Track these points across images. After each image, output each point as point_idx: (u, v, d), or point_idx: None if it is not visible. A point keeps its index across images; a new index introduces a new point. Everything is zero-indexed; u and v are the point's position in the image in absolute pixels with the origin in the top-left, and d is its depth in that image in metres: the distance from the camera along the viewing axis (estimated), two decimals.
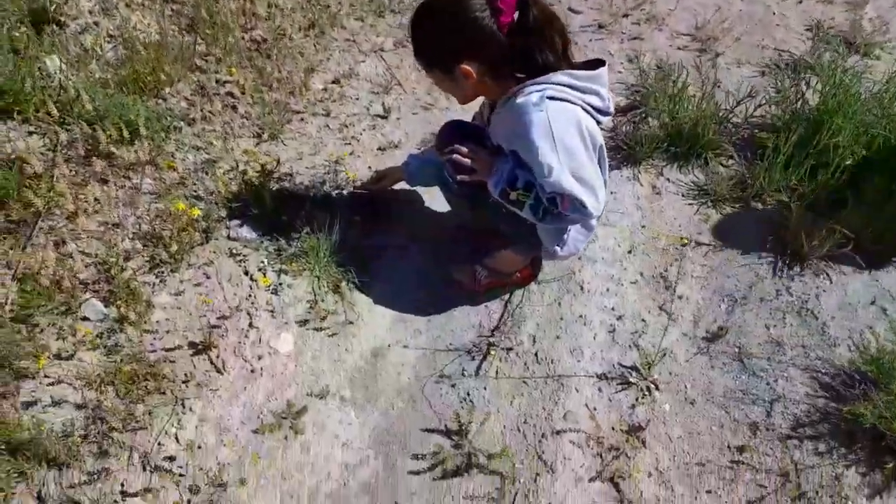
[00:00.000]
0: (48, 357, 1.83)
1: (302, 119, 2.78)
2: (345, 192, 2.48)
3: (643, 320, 2.23)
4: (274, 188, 2.42)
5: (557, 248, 1.99)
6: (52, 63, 2.34)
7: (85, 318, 1.95)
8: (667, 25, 3.53)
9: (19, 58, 2.25)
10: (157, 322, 2.02)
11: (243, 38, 2.97)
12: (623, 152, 2.75)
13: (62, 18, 2.49)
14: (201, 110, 2.58)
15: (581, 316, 2.22)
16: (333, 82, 3.00)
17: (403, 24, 3.37)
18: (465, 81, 1.66)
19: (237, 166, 2.48)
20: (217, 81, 2.72)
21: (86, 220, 2.09)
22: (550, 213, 1.74)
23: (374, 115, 2.88)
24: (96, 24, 2.60)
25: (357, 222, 2.38)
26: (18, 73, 2.15)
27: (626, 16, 3.55)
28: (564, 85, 1.62)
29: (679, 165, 2.78)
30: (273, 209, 2.31)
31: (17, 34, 2.31)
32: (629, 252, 2.44)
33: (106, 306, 1.99)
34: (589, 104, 1.68)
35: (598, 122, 1.73)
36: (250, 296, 2.14)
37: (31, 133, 2.21)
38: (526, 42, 1.59)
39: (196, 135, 2.53)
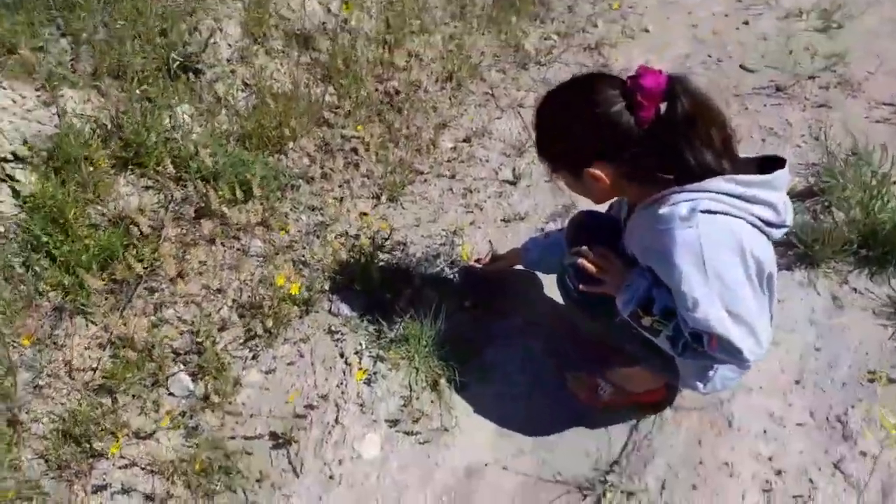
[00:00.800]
0: (127, 435, 1.73)
1: (425, 180, 2.58)
2: (458, 269, 2.23)
3: (810, 481, 1.75)
4: (384, 259, 2.23)
5: (699, 385, 1.61)
6: (182, 111, 2.32)
7: (171, 394, 1.84)
8: (863, 92, 2.96)
9: (152, 105, 2.24)
10: (243, 403, 1.88)
11: (376, 90, 2.84)
12: (796, 250, 2.26)
13: (200, 66, 2.48)
14: (322, 167, 2.46)
15: (727, 464, 1.78)
16: (464, 140, 2.78)
17: (548, 79, 3.10)
18: (596, 185, 1.36)
19: (349, 231, 2.32)
20: (343, 137, 2.60)
21: (187, 284, 2.01)
22: (693, 350, 1.39)
23: (503, 180, 2.62)
24: (233, 72, 2.58)
25: (467, 308, 2.12)
26: (145, 123, 2.13)
27: (811, 78, 3.02)
28: (725, 193, 1.27)
29: (871, 273, 2.24)
30: (380, 284, 2.11)
31: (151, 81, 2.31)
32: (797, 383, 1.97)
33: (193, 380, 1.88)
34: (758, 217, 1.30)
35: (769, 238, 1.35)
36: (342, 383, 1.94)
37: (146, 188, 2.18)
38: (673, 139, 1.26)
39: (314, 193, 2.41)
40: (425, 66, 3.07)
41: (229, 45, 2.63)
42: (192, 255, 2.03)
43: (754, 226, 1.31)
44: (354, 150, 2.60)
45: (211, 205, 2.06)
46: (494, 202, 2.53)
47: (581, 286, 1.59)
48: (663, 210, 1.29)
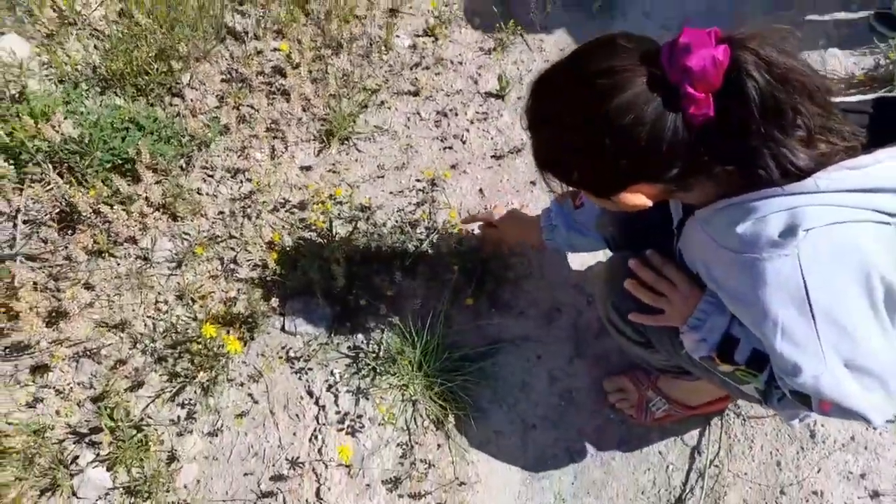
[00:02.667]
0: None
1: (382, 102, 1.90)
2: (445, 242, 1.67)
3: None
4: (344, 237, 1.63)
5: (795, 422, 1.19)
6: (6, 46, 1.52)
7: (78, 497, 1.32)
8: None
9: None
10: (185, 487, 1.38)
11: None
12: None
13: None
14: (236, 108, 1.74)
15: (815, 493, 1.44)
16: (426, 33, 2.05)
17: None
18: (633, 206, 0.90)
19: (290, 199, 1.69)
20: (258, 53, 1.83)
21: (71, 325, 1.39)
22: (792, 403, 0.99)
23: (486, 92, 1.95)
24: None
25: (467, 305, 1.60)
26: None
27: None
28: (836, 191, 0.81)
29: None
30: (345, 280, 1.54)
31: None
32: None
33: (109, 471, 1.35)
34: (885, 212, 0.83)
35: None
36: (316, 435, 1.46)
37: None
38: (746, 138, 0.78)
39: (231, 150, 1.71)
40: None
41: None
42: (68, 288, 1.39)
43: (881, 223, 0.83)
44: (279, 71, 1.85)
45: (79, 208, 1.37)
46: (479, 130, 1.89)
47: (631, 315, 1.14)
48: (743, 228, 0.84)
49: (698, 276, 1.03)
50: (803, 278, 0.82)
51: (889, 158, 0.82)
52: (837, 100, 0.86)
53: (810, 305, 0.83)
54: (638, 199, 0.88)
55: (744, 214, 0.84)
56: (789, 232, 0.81)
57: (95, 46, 1.68)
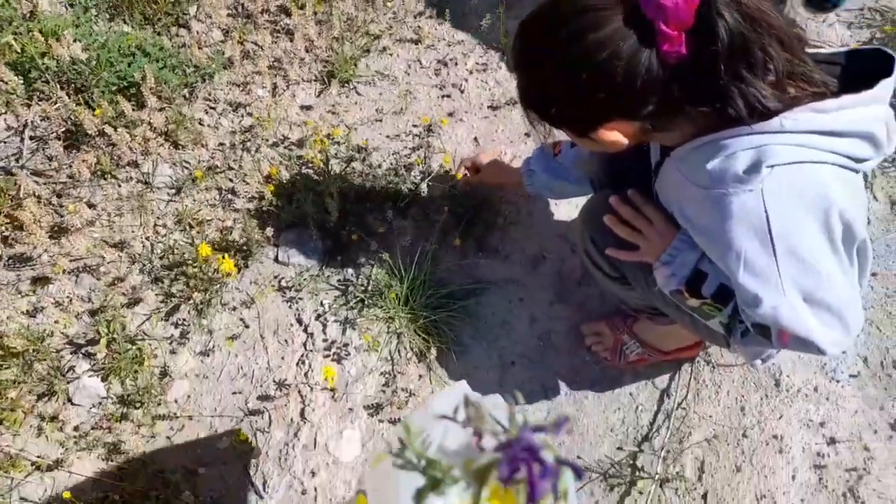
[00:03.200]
0: (26, 469, 1.31)
1: (384, 48, 1.93)
2: (438, 187, 1.72)
3: (866, 448, 1.52)
4: (340, 175, 1.68)
5: (758, 362, 1.26)
6: None
7: (75, 404, 1.39)
8: None
9: None
10: (176, 401, 1.45)
11: None
12: None
13: None
14: (241, 43, 1.77)
15: (776, 437, 1.51)
16: None
17: None
18: (612, 143, 0.94)
19: (290, 136, 1.73)
20: None
21: (72, 241, 1.45)
22: (754, 338, 1.06)
23: (487, 45, 1.99)
24: None
25: (456, 246, 1.66)
26: None
27: None
28: (803, 132, 0.85)
29: None
30: (338, 215, 1.60)
31: None
32: None
33: (104, 381, 1.42)
34: (847, 156, 0.89)
35: (858, 175, 0.94)
36: (303, 360, 1.52)
37: None
38: (716, 76, 0.81)
39: (234, 84, 1.75)
40: None
41: None
42: (70, 204, 1.44)
43: (844, 167, 0.89)
44: (284, 10, 1.88)
45: (85, 128, 1.42)
46: (478, 80, 1.93)
47: (608, 250, 1.20)
48: (713, 164, 0.89)
49: (674, 216, 1.08)
50: (766, 212, 0.87)
51: (854, 104, 0.86)
52: (811, 51, 0.90)
53: (771, 238, 0.88)
54: (615, 135, 0.92)
55: (715, 152, 0.88)
56: (754, 168, 0.85)
57: None
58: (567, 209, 1.75)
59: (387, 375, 1.53)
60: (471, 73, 1.94)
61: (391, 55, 1.92)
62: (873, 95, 0.87)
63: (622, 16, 0.81)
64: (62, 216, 1.44)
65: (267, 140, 1.71)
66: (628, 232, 1.15)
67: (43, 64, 1.43)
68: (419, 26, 1.97)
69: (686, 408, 1.55)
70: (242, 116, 1.73)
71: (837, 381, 1.58)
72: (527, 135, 1.86)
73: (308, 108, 1.81)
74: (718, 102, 0.84)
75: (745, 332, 1.08)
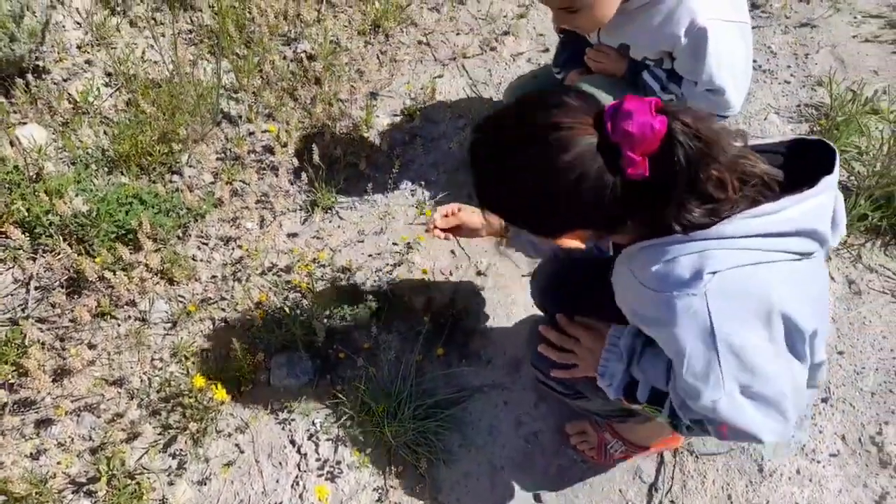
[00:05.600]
0: None
1: (362, 174, 2.09)
2: (420, 297, 1.82)
3: None
4: (326, 296, 1.79)
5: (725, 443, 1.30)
6: (28, 134, 1.72)
7: None
8: (846, 2, 2.57)
9: None
10: None
11: (284, 58, 2.25)
12: None
13: (40, 63, 1.84)
14: (230, 182, 1.93)
15: None
16: (403, 113, 2.27)
17: (491, 15, 2.55)
18: (571, 245, 1.04)
19: (277, 264, 1.85)
20: (250, 134, 2.04)
21: (73, 382, 1.53)
22: (697, 431, 1.10)
23: (460, 163, 2.15)
24: (89, 62, 1.94)
25: (439, 356, 1.74)
26: None
27: None
28: (745, 236, 0.91)
29: (885, 245, 1.97)
30: (326, 335, 1.69)
31: None
32: (824, 401, 1.71)
33: None
34: (795, 252, 0.94)
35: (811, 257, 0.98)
36: (298, 482, 1.56)
37: None
38: (668, 193, 0.87)
39: (224, 220, 1.89)
40: (340, 11, 2.47)
41: (77, 23, 1.97)
42: (72, 347, 1.54)
43: (792, 259, 0.95)
44: (269, 150, 2.06)
45: (86, 275, 1.54)
46: (452, 199, 2.08)
47: (552, 373, 1.27)
48: (657, 268, 0.94)
49: (620, 314, 1.14)
50: (709, 314, 0.92)
51: (793, 204, 0.91)
52: (755, 142, 0.97)
53: (714, 339, 0.93)
54: (574, 242, 1.00)
55: (658, 256, 0.94)
56: (697, 275, 0.90)
57: (105, 132, 1.89)
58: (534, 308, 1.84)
59: (380, 491, 1.57)
60: (447, 193, 2.09)
61: (370, 180, 2.08)
62: (815, 193, 0.91)
63: (592, 136, 0.85)
64: (65, 359, 1.53)
65: (256, 269, 1.83)
66: (559, 355, 1.23)
67: (47, 220, 1.57)
68: (395, 152, 2.14)
69: (675, 501, 1.58)
70: (233, 249, 1.86)
71: (818, 462, 1.62)
72: (499, 242, 1.99)
73: (294, 235, 1.94)
74: (660, 216, 0.90)
75: (690, 427, 1.10)
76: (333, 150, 2.09)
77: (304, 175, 2.01)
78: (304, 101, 2.17)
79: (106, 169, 1.81)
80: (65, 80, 1.89)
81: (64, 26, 1.94)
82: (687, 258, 0.91)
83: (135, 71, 1.95)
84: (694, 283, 0.90)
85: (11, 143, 1.70)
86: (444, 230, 1.53)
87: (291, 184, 2.02)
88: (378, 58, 2.39)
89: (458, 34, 2.52)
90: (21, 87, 1.79)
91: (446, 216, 1.53)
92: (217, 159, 1.97)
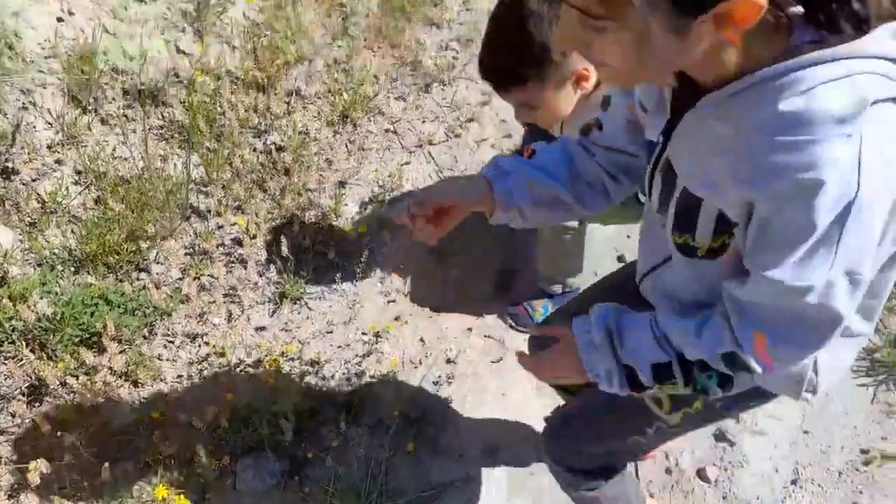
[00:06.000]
0: None
1: (331, 264, 2.11)
2: (389, 389, 1.82)
3: None
4: (294, 391, 1.78)
5: (808, 396, 0.96)
6: None
7: None
8: None
9: None
10: None
11: (254, 150, 2.30)
12: None
13: (10, 164, 1.86)
14: (197, 278, 1.94)
15: None
16: (371, 200, 2.32)
17: (455, 103, 2.65)
18: (690, 44, 0.65)
19: (245, 360, 1.84)
20: (219, 227, 2.07)
21: (31, 497, 1.48)
22: (719, 384, 0.88)
23: (428, 249, 2.19)
24: (59, 162, 1.96)
25: (409, 452, 1.73)
26: None
27: None
28: (884, 58, 0.63)
29: None
30: (294, 434, 1.67)
31: None
32: (794, 483, 1.73)
33: None
34: None
35: None
36: None
37: None
38: None
39: (191, 316, 1.89)
40: (309, 103, 2.54)
41: (48, 122, 2.01)
42: (30, 462, 1.50)
43: None
44: (238, 242, 2.08)
45: (48, 382, 1.52)
46: (420, 284, 2.11)
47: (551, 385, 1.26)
48: (789, 103, 0.64)
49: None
50: (859, 165, 0.62)
51: None
52: None
53: (850, 205, 0.63)
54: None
55: (784, 88, 0.64)
56: (858, 105, 0.62)
57: (73, 231, 1.89)
58: (516, 399, 1.85)
59: None
60: (413, 278, 2.12)
61: (338, 271, 2.10)
62: None
63: None
64: (22, 473, 1.49)
65: (223, 366, 1.81)
66: (549, 374, 1.10)
67: (10, 326, 1.56)
68: (362, 240, 2.17)
69: None
70: (199, 346, 1.85)
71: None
72: (469, 329, 2.00)
73: (262, 328, 1.94)
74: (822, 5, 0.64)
75: (723, 380, 0.87)
76: (302, 241, 2.12)
77: (272, 267, 2.03)
78: (274, 192, 2.21)
79: (72, 269, 1.81)
80: (33, 181, 1.91)
81: (35, 126, 1.97)
82: (830, 87, 0.63)
83: (105, 168, 1.98)
84: (851, 117, 0.62)
85: None
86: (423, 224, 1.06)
87: (260, 275, 2.03)
88: (346, 147, 2.45)
89: (423, 122, 2.61)
90: None
91: (423, 212, 1.06)
92: (185, 254, 1.98)
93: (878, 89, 0.62)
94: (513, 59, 1.30)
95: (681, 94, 0.78)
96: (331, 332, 1.97)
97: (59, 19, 2.14)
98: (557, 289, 1.96)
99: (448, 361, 1.93)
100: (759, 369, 0.81)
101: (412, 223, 1.07)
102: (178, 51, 2.37)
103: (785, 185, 0.65)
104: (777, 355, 0.78)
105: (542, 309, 1.98)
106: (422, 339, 1.98)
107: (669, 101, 0.82)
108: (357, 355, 1.92)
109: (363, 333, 1.97)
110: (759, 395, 1.01)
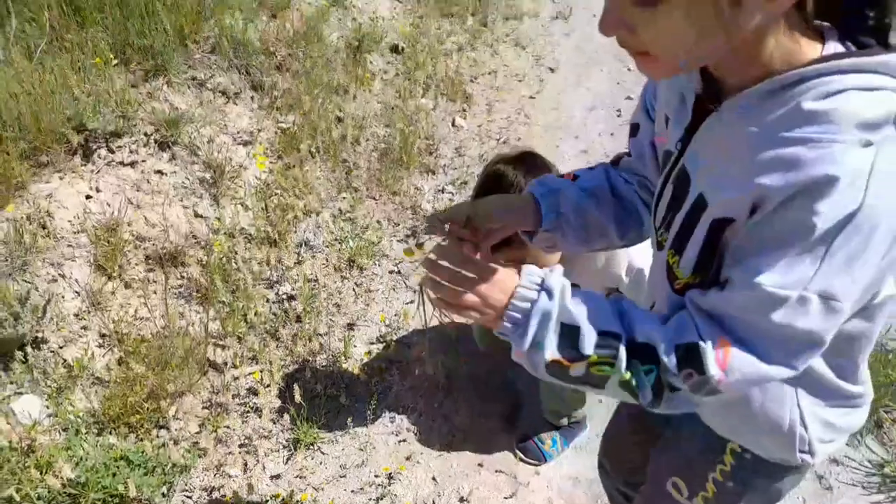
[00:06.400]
0: None
1: (343, 407, 2.19)
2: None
3: None
4: None
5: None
6: (22, 408, 1.82)
7: None
8: None
9: None
10: None
11: (267, 301, 2.45)
12: None
13: (40, 335, 2.00)
14: (215, 430, 2.01)
15: None
16: (379, 340, 2.42)
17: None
18: (742, 16, 0.63)
19: None
20: (235, 379, 2.17)
21: None
22: (678, 395, 0.76)
23: (436, 387, 2.26)
24: (85, 328, 2.11)
25: None
26: None
27: None
28: None
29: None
30: None
31: None
32: None
33: None
34: None
35: None
36: None
37: None
38: None
39: (208, 469, 1.94)
40: (318, 252, 2.72)
41: (76, 292, 2.17)
42: None
43: None
44: (253, 392, 2.17)
45: None
46: (428, 419, 2.17)
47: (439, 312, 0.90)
48: (815, 104, 0.64)
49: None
50: (868, 179, 0.61)
51: None
52: None
53: (852, 217, 0.61)
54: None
55: (812, 91, 0.65)
56: (883, 116, 0.62)
57: (96, 392, 2.00)
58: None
59: None
60: (421, 416, 2.18)
61: (350, 414, 2.17)
62: None
63: None
64: None
65: None
66: (452, 294, 0.80)
67: (36, 495, 1.62)
68: (373, 386, 2.26)
69: None
70: (217, 499, 1.89)
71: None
72: (480, 464, 2.03)
73: (277, 476, 1.98)
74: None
75: (657, 386, 0.75)
76: (314, 386, 2.21)
77: (286, 415, 2.10)
78: (286, 340, 2.33)
79: (96, 431, 1.89)
80: (60, 348, 2.04)
81: (63, 297, 2.13)
82: (866, 94, 0.63)
83: (128, 329, 2.12)
84: (875, 126, 0.62)
85: (6, 417, 1.80)
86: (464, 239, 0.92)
87: (274, 423, 2.10)
88: (354, 290, 2.60)
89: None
90: (19, 359, 1.93)
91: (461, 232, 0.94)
92: (203, 408, 2.06)
93: None
94: None
95: (705, 97, 0.78)
96: (344, 476, 2.00)
97: (88, 196, 2.37)
98: (563, 421, 2.02)
99: (461, 500, 1.95)
100: (713, 372, 0.71)
101: (446, 236, 0.93)
102: (196, 215, 2.59)
103: (797, 178, 0.63)
104: (732, 363, 0.71)
105: (550, 441, 2.02)
106: (434, 479, 2.01)
107: (692, 104, 0.80)
108: (371, 499, 1.95)
109: (376, 476, 2.01)
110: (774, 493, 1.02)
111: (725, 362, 0.71)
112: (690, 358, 0.72)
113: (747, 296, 0.69)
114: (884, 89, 0.63)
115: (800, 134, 0.64)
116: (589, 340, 0.76)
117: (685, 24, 0.63)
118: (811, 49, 0.67)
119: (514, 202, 1.05)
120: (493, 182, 1.58)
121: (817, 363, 0.86)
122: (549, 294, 0.77)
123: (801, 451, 0.93)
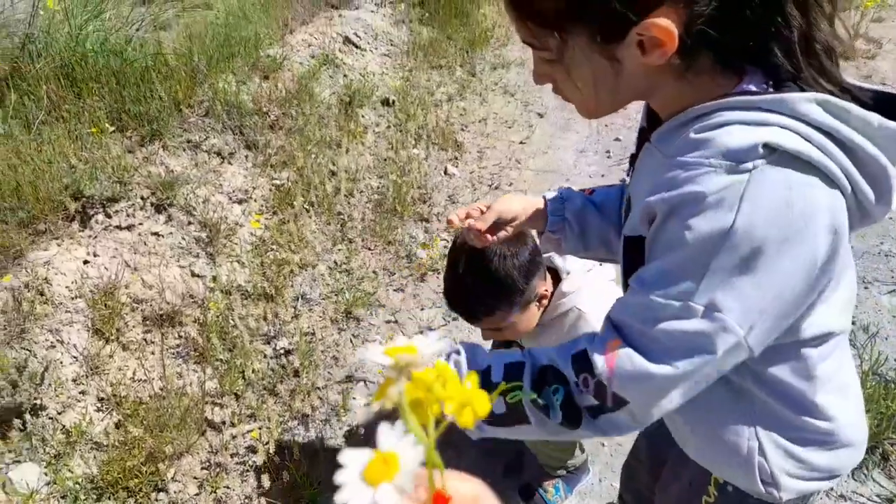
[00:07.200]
0: None
1: (341, 465, 2.16)
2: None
3: None
4: None
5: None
6: (18, 477, 1.81)
7: None
8: None
9: None
10: None
11: (264, 356, 2.45)
12: None
13: (38, 402, 2.01)
14: (213, 491, 1.99)
15: None
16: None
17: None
18: (659, 46, 0.68)
19: None
20: (233, 437, 2.16)
21: None
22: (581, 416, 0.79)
23: (437, 441, 2.25)
24: (83, 393, 2.11)
25: None
26: None
27: None
28: (814, 126, 0.68)
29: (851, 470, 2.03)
30: None
31: None
32: None
33: None
34: (854, 186, 0.70)
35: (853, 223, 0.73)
36: None
37: None
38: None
39: None
40: (315, 305, 2.74)
41: (74, 357, 2.18)
42: None
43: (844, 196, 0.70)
44: (251, 450, 2.16)
45: None
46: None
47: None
48: (698, 133, 0.71)
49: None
50: (738, 206, 0.66)
51: (879, 128, 0.68)
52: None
53: (728, 235, 0.66)
54: (664, 26, 0.66)
55: (702, 123, 0.72)
56: (753, 147, 0.66)
57: (94, 457, 1.99)
58: None
59: None
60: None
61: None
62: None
63: None
64: None
65: None
66: None
67: None
68: (373, 438, 2.25)
69: None
70: None
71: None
72: None
73: None
74: (758, 38, 0.69)
75: (567, 407, 0.78)
76: (314, 441, 2.20)
77: (285, 473, 2.08)
78: (284, 395, 2.33)
79: (94, 496, 1.87)
80: (59, 414, 2.04)
81: (61, 362, 2.14)
82: (745, 127, 0.68)
83: (125, 392, 2.12)
84: (745, 155, 0.67)
85: (3, 486, 1.79)
86: (481, 231, 1.07)
87: (274, 482, 2.08)
88: (351, 341, 2.61)
89: (422, 309, 2.79)
90: (17, 427, 1.93)
91: (480, 213, 1.09)
92: (202, 469, 2.05)
93: (786, 142, 0.66)
94: (481, 298, 1.42)
95: (649, 131, 0.83)
96: None
97: (85, 261, 2.41)
98: (561, 472, 1.99)
99: None
100: (601, 370, 0.74)
101: (463, 223, 1.08)
102: (193, 274, 2.62)
103: (671, 195, 0.70)
104: (619, 361, 0.74)
105: (553, 490, 1.99)
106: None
107: (636, 137, 0.90)
108: None
109: None
110: None
111: (613, 360, 0.74)
112: (583, 361, 0.77)
113: (638, 302, 0.74)
114: (769, 125, 0.68)
115: (682, 159, 0.71)
116: (497, 371, 0.82)
117: (588, 76, 0.74)
118: (726, 87, 0.73)
119: (530, 203, 1.13)
120: (474, 257, 1.41)
121: (759, 393, 0.88)
122: (458, 353, 0.87)
123: (765, 482, 0.92)
